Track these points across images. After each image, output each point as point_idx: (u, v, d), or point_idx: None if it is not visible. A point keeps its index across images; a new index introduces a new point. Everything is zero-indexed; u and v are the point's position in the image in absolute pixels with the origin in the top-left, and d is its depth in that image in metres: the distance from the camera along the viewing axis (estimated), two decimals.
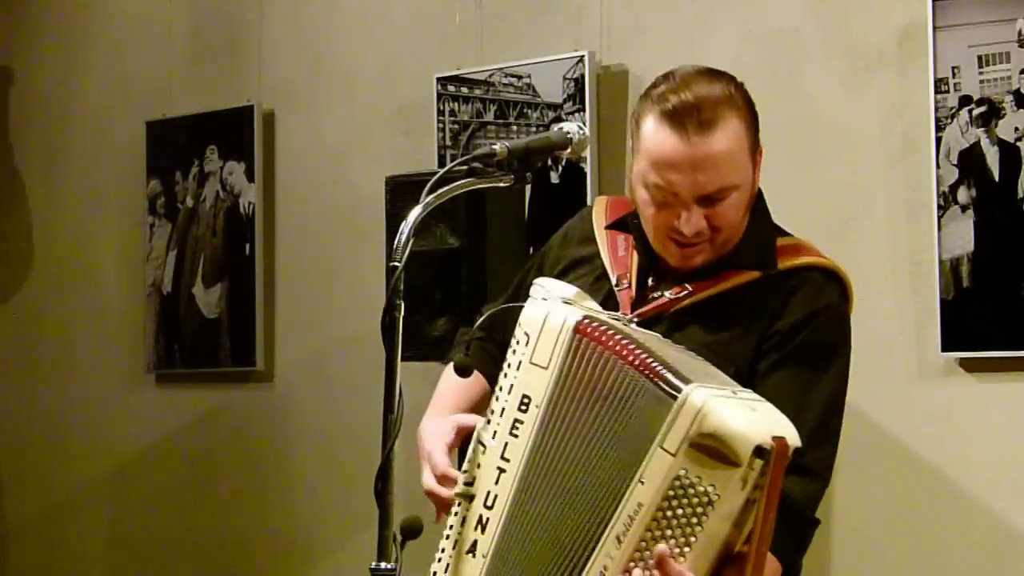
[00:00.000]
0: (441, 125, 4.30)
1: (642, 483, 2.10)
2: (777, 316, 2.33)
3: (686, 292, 2.34)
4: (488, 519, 2.21)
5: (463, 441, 2.35)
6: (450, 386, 2.53)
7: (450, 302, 3.67)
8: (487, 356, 2.55)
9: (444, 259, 3.68)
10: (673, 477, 2.07)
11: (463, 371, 2.39)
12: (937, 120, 3.41)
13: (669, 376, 2.11)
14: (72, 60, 5.44)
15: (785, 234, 2.44)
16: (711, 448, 2.06)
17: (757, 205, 2.41)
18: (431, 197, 2.21)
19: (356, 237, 4.55)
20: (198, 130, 4.95)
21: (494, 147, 2.27)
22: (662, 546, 2.06)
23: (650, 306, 2.35)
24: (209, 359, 4.90)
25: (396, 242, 2.15)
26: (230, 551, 4.89)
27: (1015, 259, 3.31)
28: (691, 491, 2.07)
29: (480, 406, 2.46)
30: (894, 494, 3.52)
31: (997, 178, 3.34)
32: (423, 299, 3.65)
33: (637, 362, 2.14)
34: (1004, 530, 3.35)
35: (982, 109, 3.36)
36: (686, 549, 2.07)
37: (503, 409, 2.24)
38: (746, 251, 2.38)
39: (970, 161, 3.37)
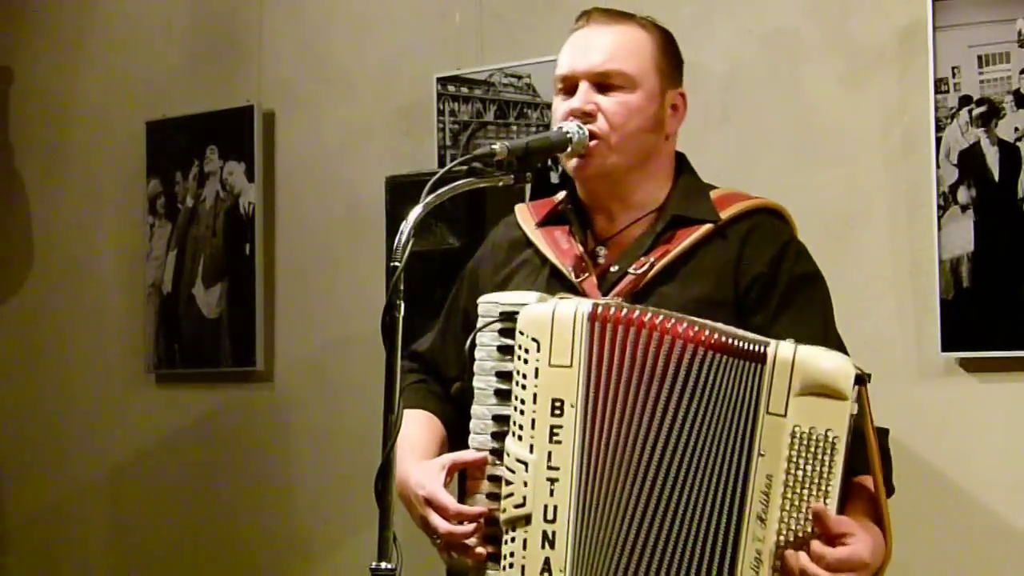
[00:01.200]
0: (441, 125, 4.30)
1: (762, 455, 2.09)
2: (741, 260, 2.37)
3: (648, 264, 2.37)
4: (555, 532, 2.18)
5: (460, 479, 2.33)
6: (417, 430, 2.49)
7: None
8: (429, 394, 2.56)
9: (444, 259, 3.68)
10: (790, 435, 2.07)
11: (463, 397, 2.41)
12: (937, 120, 3.41)
13: (741, 343, 2.14)
14: (72, 60, 5.44)
15: (713, 187, 2.50)
16: (816, 395, 2.07)
17: (683, 165, 2.50)
18: (431, 197, 2.21)
19: (356, 237, 4.55)
20: (198, 130, 4.95)
21: (494, 147, 2.28)
22: (818, 504, 2.05)
23: (621, 286, 2.37)
24: (209, 359, 4.90)
25: (396, 242, 2.15)
26: (230, 551, 4.89)
27: (1015, 259, 3.31)
28: (812, 442, 2.07)
29: (445, 446, 2.46)
30: (894, 494, 3.51)
31: (997, 178, 3.34)
32: (423, 299, 3.64)
33: (691, 334, 2.16)
34: (1004, 530, 3.35)
35: (982, 109, 3.36)
36: (828, 501, 2.07)
37: (532, 420, 2.21)
38: (681, 203, 2.43)
39: (970, 161, 3.37)
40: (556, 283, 2.43)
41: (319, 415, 4.66)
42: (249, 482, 4.85)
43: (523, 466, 2.21)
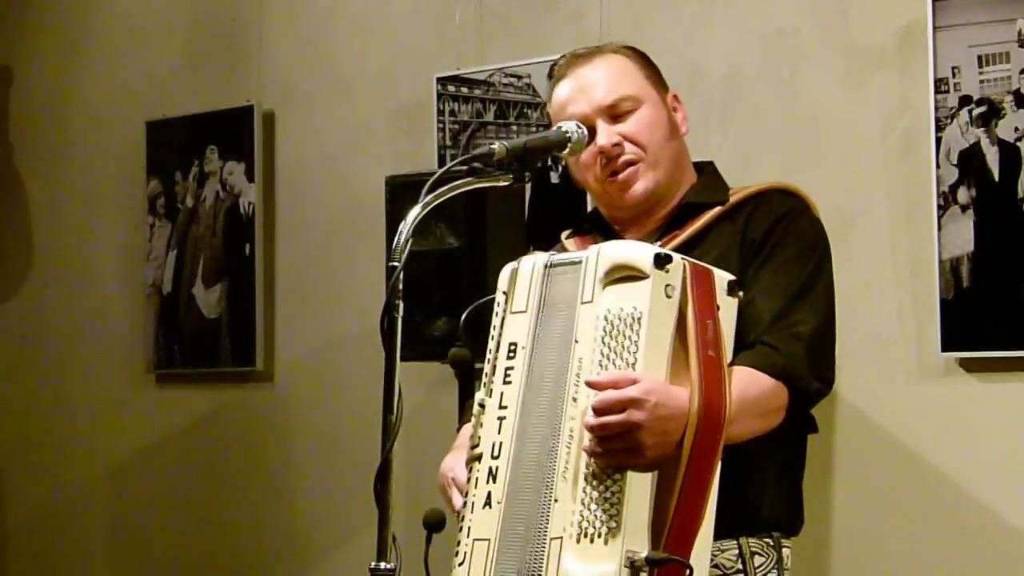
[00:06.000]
0: (441, 125, 4.30)
1: (577, 342, 2.20)
2: (745, 235, 2.42)
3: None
4: (497, 467, 2.25)
5: None
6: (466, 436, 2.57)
7: (450, 302, 3.66)
8: None
9: (444, 259, 3.68)
10: (597, 318, 2.17)
11: (459, 363, 2.55)
12: (937, 120, 3.41)
13: (572, 256, 2.30)
14: (72, 60, 5.44)
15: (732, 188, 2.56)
16: (620, 279, 2.18)
17: (707, 167, 2.58)
18: (431, 197, 2.22)
19: (356, 237, 4.55)
20: (198, 130, 4.95)
21: (493, 147, 2.30)
22: (595, 378, 2.13)
23: None
24: (209, 359, 4.90)
25: (395, 242, 2.16)
26: (230, 551, 4.89)
27: (1015, 259, 3.31)
28: (616, 320, 2.16)
29: None
30: (894, 494, 3.52)
31: (997, 178, 3.34)
32: (423, 299, 3.65)
33: (560, 261, 2.31)
34: (1004, 530, 3.35)
35: (982, 109, 3.35)
36: (630, 372, 2.14)
37: (494, 367, 2.31)
38: (697, 194, 2.51)
39: (970, 161, 3.37)
40: None
41: (319, 415, 4.66)
42: (249, 482, 4.85)
43: (482, 410, 2.30)
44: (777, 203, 2.46)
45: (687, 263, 2.20)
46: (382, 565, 2.11)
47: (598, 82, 2.48)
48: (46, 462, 5.45)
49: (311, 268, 4.72)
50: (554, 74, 2.54)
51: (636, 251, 2.21)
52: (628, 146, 2.46)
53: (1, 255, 5.61)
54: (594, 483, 2.11)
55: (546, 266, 2.31)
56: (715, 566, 2.30)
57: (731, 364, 2.25)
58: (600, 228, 2.56)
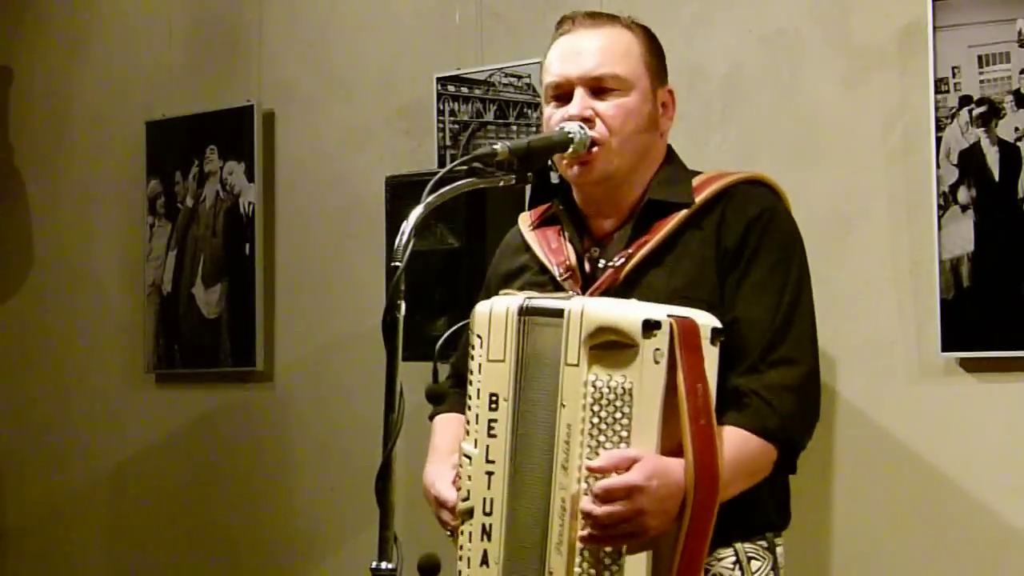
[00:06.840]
0: (441, 125, 4.30)
1: (564, 406, 2.16)
2: (719, 240, 2.38)
3: (626, 257, 2.39)
4: (491, 525, 2.23)
5: None
6: (444, 433, 2.57)
7: (450, 302, 3.67)
8: (460, 396, 2.58)
9: (444, 259, 3.68)
10: (585, 384, 2.13)
11: (436, 398, 2.50)
12: (937, 120, 3.41)
13: (551, 304, 2.23)
14: (72, 60, 5.44)
15: (698, 173, 2.50)
16: (607, 343, 2.13)
17: (671, 157, 2.52)
18: (432, 197, 2.22)
19: (356, 237, 4.55)
20: (198, 130, 4.95)
21: (495, 147, 2.29)
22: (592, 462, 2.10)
23: (598, 282, 2.39)
24: (209, 359, 4.90)
25: (397, 242, 2.16)
26: (230, 551, 4.89)
27: (1015, 259, 3.31)
28: (606, 390, 2.12)
29: None
30: (894, 494, 3.52)
31: (997, 178, 3.34)
32: (423, 299, 3.65)
33: (539, 309, 2.24)
34: (1004, 530, 3.35)
35: (982, 109, 3.35)
36: (622, 446, 2.12)
37: (476, 416, 2.28)
38: (658, 189, 2.45)
39: (970, 161, 3.37)
40: (546, 279, 2.45)
41: (319, 415, 4.66)
42: (249, 482, 4.85)
43: (468, 460, 2.28)
44: (748, 201, 2.42)
45: (674, 322, 2.14)
46: (383, 565, 2.11)
47: (594, 52, 2.43)
48: (46, 462, 5.46)
49: (311, 268, 4.72)
50: (561, 26, 2.49)
51: (623, 316, 2.14)
52: (599, 124, 2.41)
53: (1, 255, 5.61)
54: (591, 560, 2.11)
55: (521, 311, 2.27)
56: (712, 575, 2.30)
57: (721, 421, 2.21)
58: (569, 213, 2.50)
